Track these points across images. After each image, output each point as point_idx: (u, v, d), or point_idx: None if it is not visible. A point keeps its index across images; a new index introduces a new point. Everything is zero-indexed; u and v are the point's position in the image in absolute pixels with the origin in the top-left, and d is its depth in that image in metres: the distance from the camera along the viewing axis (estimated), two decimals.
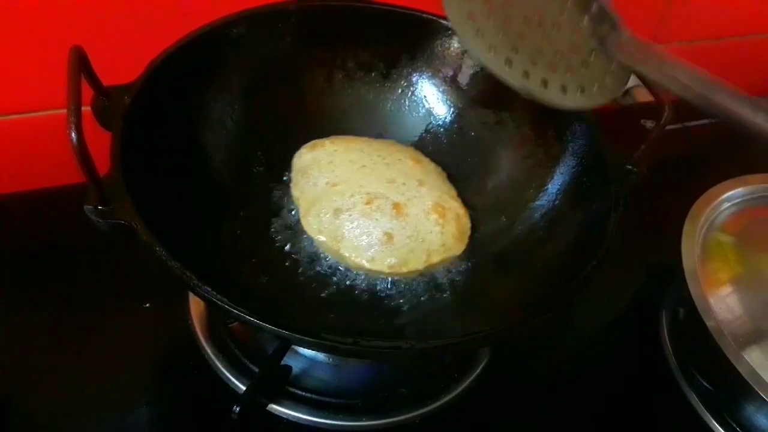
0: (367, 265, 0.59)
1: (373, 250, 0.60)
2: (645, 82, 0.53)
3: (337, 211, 0.61)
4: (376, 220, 0.61)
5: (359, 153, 0.66)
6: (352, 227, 0.60)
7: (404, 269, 0.60)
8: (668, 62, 0.45)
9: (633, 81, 1.02)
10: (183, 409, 0.59)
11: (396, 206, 0.61)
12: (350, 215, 0.61)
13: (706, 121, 0.97)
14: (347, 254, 0.60)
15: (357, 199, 0.61)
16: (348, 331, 0.44)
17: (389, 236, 0.60)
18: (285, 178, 0.67)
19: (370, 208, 0.61)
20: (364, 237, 0.60)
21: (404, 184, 0.63)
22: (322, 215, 0.61)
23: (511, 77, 0.49)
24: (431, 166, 0.68)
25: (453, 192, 0.67)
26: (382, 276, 0.60)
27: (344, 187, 0.62)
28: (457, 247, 0.63)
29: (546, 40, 0.50)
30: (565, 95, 0.50)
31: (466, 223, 0.65)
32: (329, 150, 0.66)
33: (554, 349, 0.67)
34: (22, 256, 0.67)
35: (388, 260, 0.60)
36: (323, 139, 0.67)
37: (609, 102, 0.51)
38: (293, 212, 0.64)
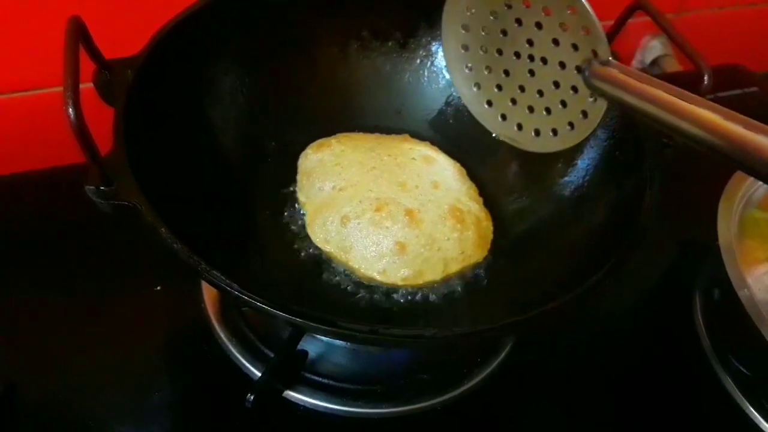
0: (378, 277, 0.56)
1: (384, 262, 0.56)
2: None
3: (345, 219, 0.58)
4: (387, 228, 0.57)
5: (368, 153, 0.62)
6: (361, 237, 0.57)
7: (420, 281, 0.57)
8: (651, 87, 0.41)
9: (661, 50, 0.99)
10: (196, 395, 0.57)
11: (408, 212, 0.58)
12: (358, 223, 0.57)
13: (740, 90, 0.93)
14: (356, 266, 0.57)
15: (366, 206, 0.58)
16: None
17: (402, 246, 0.56)
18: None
19: (380, 216, 0.57)
20: (374, 247, 0.57)
21: (417, 187, 0.60)
22: (328, 224, 0.58)
23: (489, 120, 0.53)
24: (447, 163, 0.65)
25: (473, 191, 0.63)
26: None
27: (352, 192, 0.59)
28: (478, 254, 0.59)
29: (531, 79, 0.49)
30: (537, 139, 0.50)
31: (488, 227, 0.61)
32: (336, 150, 0.62)
33: (580, 333, 0.65)
34: (29, 239, 0.65)
35: (402, 272, 0.56)
36: (329, 138, 0.64)
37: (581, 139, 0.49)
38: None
